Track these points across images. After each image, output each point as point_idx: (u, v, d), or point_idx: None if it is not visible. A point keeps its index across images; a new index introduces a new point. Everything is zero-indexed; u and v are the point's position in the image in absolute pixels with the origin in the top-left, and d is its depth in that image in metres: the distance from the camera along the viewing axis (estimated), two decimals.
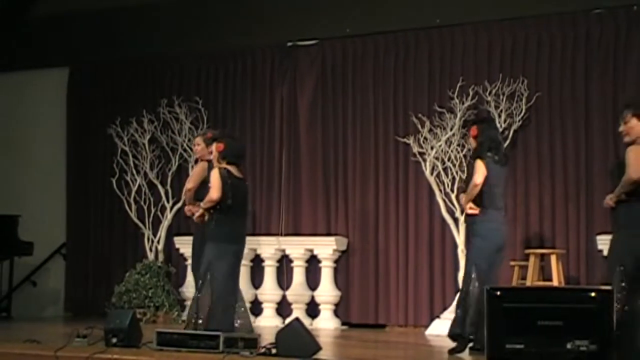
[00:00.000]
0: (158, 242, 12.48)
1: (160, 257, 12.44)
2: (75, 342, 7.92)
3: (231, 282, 8.47)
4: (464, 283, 8.15)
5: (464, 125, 10.78)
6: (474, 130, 8.33)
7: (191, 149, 12.45)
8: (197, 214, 8.66)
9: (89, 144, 13.62)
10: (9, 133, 14.27)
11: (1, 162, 14.24)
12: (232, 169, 8.50)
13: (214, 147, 8.66)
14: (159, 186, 12.58)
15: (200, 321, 8.36)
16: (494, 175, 8.09)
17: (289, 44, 12.48)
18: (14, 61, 14.20)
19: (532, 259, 10.33)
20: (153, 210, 12.65)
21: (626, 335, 6.84)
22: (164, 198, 12.59)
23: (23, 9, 14.31)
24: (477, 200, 8.14)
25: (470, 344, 7.95)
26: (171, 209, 12.56)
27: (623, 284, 7.03)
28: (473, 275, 8.04)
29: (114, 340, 7.66)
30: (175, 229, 12.68)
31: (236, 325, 8.45)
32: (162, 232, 12.52)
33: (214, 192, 8.34)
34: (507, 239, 8.23)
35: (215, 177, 8.37)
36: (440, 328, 10.35)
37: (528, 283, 10.15)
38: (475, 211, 8.15)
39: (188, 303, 12.11)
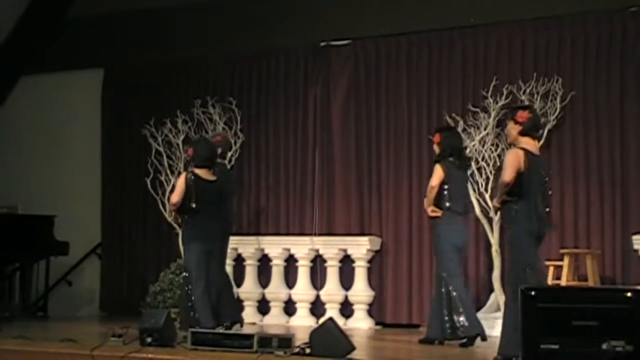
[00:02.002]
0: None
1: None
2: (111, 341, 7.98)
3: (202, 282, 9.04)
4: (438, 285, 8.87)
5: (498, 124, 10.79)
6: (437, 137, 9.14)
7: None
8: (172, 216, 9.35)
9: (123, 144, 13.70)
10: (44, 134, 14.38)
11: (37, 163, 14.36)
12: (201, 172, 9.16)
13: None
14: None
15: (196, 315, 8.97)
16: (454, 179, 8.82)
17: (322, 44, 12.49)
18: (49, 63, 14.30)
19: (566, 258, 10.28)
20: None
21: None
22: None
23: (58, 11, 14.40)
24: (439, 204, 8.86)
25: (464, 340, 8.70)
26: None
27: None
28: (444, 275, 8.80)
29: (149, 339, 7.70)
30: None
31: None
32: None
33: (173, 195, 9.13)
34: (467, 239, 8.60)
35: (178, 182, 9.15)
36: None
37: (563, 283, 10.10)
38: (438, 214, 8.89)
39: None
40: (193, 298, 9.07)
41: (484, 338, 8.80)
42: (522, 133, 7.50)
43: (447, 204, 8.89)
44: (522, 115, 7.52)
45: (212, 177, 9.25)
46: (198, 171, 9.17)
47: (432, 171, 9.01)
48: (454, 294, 8.78)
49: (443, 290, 8.80)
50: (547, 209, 7.55)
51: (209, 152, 9.33)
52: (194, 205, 9.04)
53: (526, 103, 10.71)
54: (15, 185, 14.46)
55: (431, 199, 8.94)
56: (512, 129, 7.54)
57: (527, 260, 7.39)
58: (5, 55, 14.41)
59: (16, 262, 13.09)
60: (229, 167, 11.30)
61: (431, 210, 8.96)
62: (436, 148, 9.13)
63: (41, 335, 9.29)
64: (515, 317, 6.87)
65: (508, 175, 7.31)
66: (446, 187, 8.89)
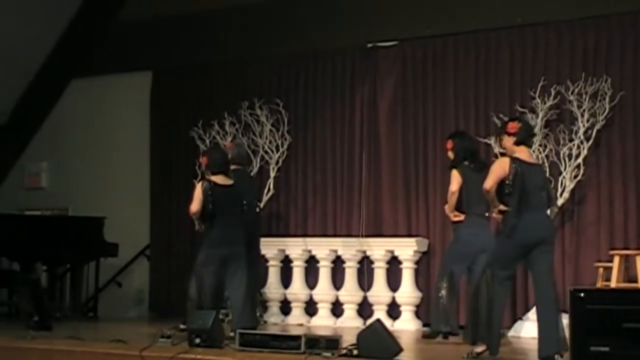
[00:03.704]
0: None
1: None
2: (160, 342, 8.04)
3: (213, 287, 9.02)
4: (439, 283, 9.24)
5: (546, 125, 10.74)
6: (449, 144, 9.37)
7: (272, 151, 12.57)
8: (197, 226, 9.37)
9: (171, 146, 13.77)
10: (94, 137, 14.52)
11: (87, 165, 14.49)
12: (217, 178, 9.21)
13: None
14: None
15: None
16: (472, 182, 8.85)
17: (369, 45, 12.45)
18: (99, 65, 14.44)
19: (616, 260, 10.17)
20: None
21: None
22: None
23: (108, 14, 14.54)
24: (460, 208, 9.05)
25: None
26: None
27: None
28: (444, 278, 9.12)
29: (197, 340, 7.76)
30: None
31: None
32: None
33: (193, 205, 9.15)
34: (491, 240, 8.43)
35: (196, 191, 9.18)
36: (522, 329, 10.35)
37: (612, 284, 10.00)
38: (460, 218, 9.10)
39: (270, 304, 12.24)
40: (200, 302, 9.04)
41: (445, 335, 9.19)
42: (517, 143, 7.64)
43: (468, 208, 9.05)
44: (513, 126, 7.69)
45: (228, 182, 9.31)
46: (214, 178, 9.24)
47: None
48: (442, 292, 9.16)
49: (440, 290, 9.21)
50: (545, 216, 7.76)
51: (222, 158, 9.43)
52: (211, 211, 9.08)
53: (575, 103, 10.64)
54: (66, 187, 14.62)
55: (452, 205, 9.18)
56: (507, 141, 7.70)
57: (499, 271, 7.54)
58: (57, 58, 14.59)
59: (67, 264, 13.21)
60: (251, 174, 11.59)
61: (454, 216, 9.21)
62: (450, 154, 9.35)
63: (91, 335, 9.39)
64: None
65: (488, 183, 7.49)
66: (464, 191, 9.06)
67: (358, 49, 12.56)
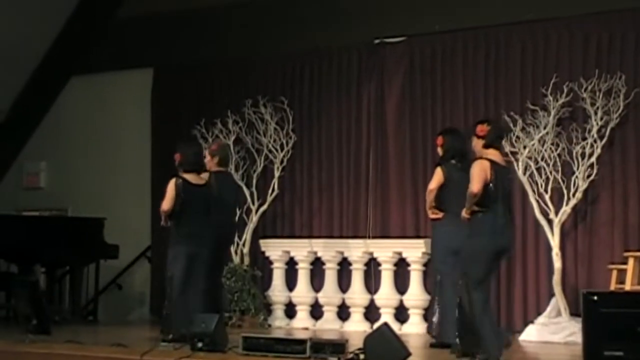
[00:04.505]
0: (243, 245, 12.52)
1: (246, 260, 12.48)
2: (161, 346, 8.05)
3: (182, 285, 9.21)
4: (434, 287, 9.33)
5: (559, 123, 10.72)
6: (439, 140, 9.43)
7: (277, 150, 12.57)
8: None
9: (173, 145, 13.73)
10: (94, 135, 14.53)
11: (87, 164, 14.50)
12: (189, 176, 9.44)
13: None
14: (244, 188, 12.63)
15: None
16: (455, 182, 8.94)
17: (376, 41, 12.45)
18: (99, 62, 14.46)
19: (631, 262, 10.16)
20: (238, 213, 12.70)
21: None
22: (249, 200, 12.63)
23: (106, 11, 14.56)
24: (440, 206, 9.16)
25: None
26: (256, 211, 12.60)
27: None
28: (438, 278, 9.18)
29: (200, 344, 7.77)
30: (261, 232, 12.74)
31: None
32: (248, 234, 12.56)
33: (165, 202, 9.38)
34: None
35: (168, 188, 9.38)
36: (534, 334, 10.32)
37: (627, 287, 9.98)
38: (438, 215, 9.21)
39: (274, 307, 12.24)
40: (171, 299, 9.22)
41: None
42: (486, 145, 7.81)
43: (448, 206, 9.11)
44: (482, 129, 7.85)
45: (200, 181, 9.55)
46: (186, 176, 9.44)
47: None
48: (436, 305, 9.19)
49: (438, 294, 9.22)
50: (510, 221, 7.87)
51: (195, 156, 9.64)
52: (179, 209, 9.30)
53: (588, 101, 10.63)
54: (65, 186, 14.64)
55: (430, 202, 9.33)
56: (477, 143, 7.87)
57: (475, 275, 7.60)
58: (55, 55, 14.60)
59: (66, 266, 13.23)
60: (236, 176, 11.90)
61: (431, 213, 9.35)
62: (440, 150, 9.43)
63: (91, 339, 9.40)
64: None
65: (476, 186, 7.60)
66: (446, 190, 9.16)
67: (364, 45, 12.55)
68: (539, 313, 10.71)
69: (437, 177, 9.27)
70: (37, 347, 8.60)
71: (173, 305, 9.13)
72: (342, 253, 12.07)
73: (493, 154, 7.80)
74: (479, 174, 7.64)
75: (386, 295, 11.78)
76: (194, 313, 8.81)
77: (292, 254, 12.32)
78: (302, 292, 12.24)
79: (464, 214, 7.81)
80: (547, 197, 10.76)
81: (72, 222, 13.37)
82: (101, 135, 14.46)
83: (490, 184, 7.61)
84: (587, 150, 10.65)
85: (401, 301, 11.75)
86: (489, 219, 7.61)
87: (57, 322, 11.31)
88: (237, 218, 11.21)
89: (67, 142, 14.76)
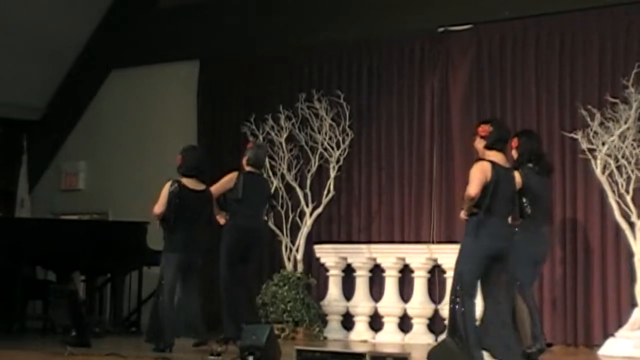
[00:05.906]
0: (297, 250, 12.50)
1: (300, 267, 12.46)
2: (209, 359, 8.02)
3: (173, 294, 9.57)
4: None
5: None
6: (514, 142, 9.34)
7: (332, 148, 12.49)
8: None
9: (221, 143, 13.82)
10: (136, 132, 14.68)
11: (128, 164, 14.58)
12: (188, 181, 9.73)
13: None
14: (298, 189, 12.60)
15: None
16: (534, 186, 9.04)
17: (440, 29, 12.45)
18: (142, 55, 14.61)
19: None
20: (291, 216, 12.66)
21: None
22: (302, 202, 12.59)
23: (153, 1, 14.63)
24: (519, 212, 9.04)
25: None
26: (311, 214, 12.55)
27: None
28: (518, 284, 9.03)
29: (251, 358, 7.79)
30: (316, 237, 12.74)
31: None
32: (301, 239, 12.52)
33: (156, 206, 9.65)
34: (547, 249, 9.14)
35: (162, 191, 9.63)
36: (615, 348, 10.22)
37: None
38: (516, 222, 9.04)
39: (330, 318, 12.16)
40: (161, 308, 9.49)
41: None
42: (488, 147, 8.17)
43: (528, 213, 9.07)
44: (484, 129, 8.22)
45: (199, 187, 9.80)
46: (184, 180, 9.71)
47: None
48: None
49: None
50: (508, 225, 8.26)
51: (196, 161, 9.90)
52: (172, 215, 9.54)
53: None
54: (106, 188, 14.74)
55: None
56: (479, 143, 8.24)
57: (465, 276, 7.86)
58: (95, 47, 14.70)
59: (107, 273, 13.31)
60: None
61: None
62: (514, 153, 9.41)
63: (134, 352, 9.44)
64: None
65: (473, 189, 7.91)
66: (525, 195, 9.07)
67: (428, 33, 12.55)
68: (620, 325, 10.57)
69: (516, 182, 9.12)
70: None
71: (163, 313, 9.45)
72: (403, 259, 12.02)
73: (495, 155, 8.11)
74: (477, 176, 7.93)
75: None
76: (194, 320, 9.35)
77: (349, 261, 12.30)
78: (360, 302, 12.20)
79: (463, 215, 8.10)
80: (628, 198, 10.60)
81: (113, 226, 13.48)
82: (144, 132, 14.55)
83: (490, 186, 7.88)
84: None
85: None
86: (487, 220, 7.91)
87: (98, 333, 11.38)
88: (268, 219, 11.71)
89: (107, 140, 14.89)
